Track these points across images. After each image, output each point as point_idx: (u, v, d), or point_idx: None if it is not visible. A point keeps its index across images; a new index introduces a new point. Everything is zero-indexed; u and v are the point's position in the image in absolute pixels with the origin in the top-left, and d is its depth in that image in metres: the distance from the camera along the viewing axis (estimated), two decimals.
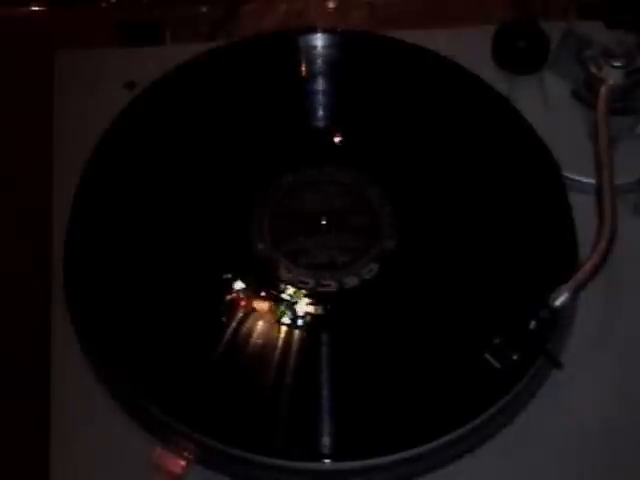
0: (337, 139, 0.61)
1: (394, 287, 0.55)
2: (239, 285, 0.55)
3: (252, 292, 0.54)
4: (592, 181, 0.59)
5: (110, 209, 0.57)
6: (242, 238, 0.57)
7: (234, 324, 0.53)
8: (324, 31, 0.63)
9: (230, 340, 0.53)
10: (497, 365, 0.51)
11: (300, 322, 0.54)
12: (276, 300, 0.54)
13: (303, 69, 0.63)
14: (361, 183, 0.59)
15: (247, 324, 0.53)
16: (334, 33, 0.64)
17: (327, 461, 0.49)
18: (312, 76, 0.63)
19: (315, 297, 0.55)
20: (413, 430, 0.49)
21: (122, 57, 0.66)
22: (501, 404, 0.50)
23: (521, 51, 0.64)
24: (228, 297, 0.54)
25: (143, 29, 0.72)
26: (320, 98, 0.62)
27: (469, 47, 0.64)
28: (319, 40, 0.63)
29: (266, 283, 0.55)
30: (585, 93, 0.61)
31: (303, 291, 0.55)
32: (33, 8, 0.77)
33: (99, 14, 0.77)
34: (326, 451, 0.49)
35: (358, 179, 0.59)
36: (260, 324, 0.54)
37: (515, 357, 0.51)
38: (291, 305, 0.54)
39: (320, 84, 0.62)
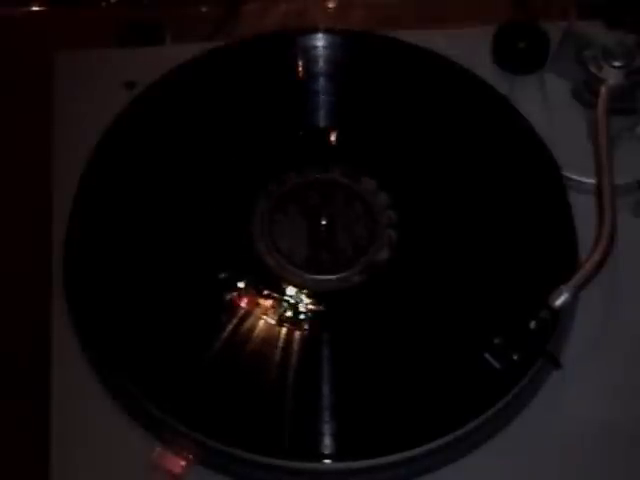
0: (337, 139, 0.61)
1: (394, 287, 0.55)
2: (239, 285, 0.55)
3: (252, 292, 0.54)
4: (592, 181, 0.59)
5: (110, 209, 0.57)
6: (242, 238, 0.57)
7: (234, 324, 0.53)
8: (324, 31, 0.63)
9: (230, 340, 0.53)
10: (497, 365, 0.51)
11: (301, 322, 0.54)
12: (277, 300, 0.54)
13: (303, 69, 0.63)
14: (361, 183, 0.59)
15: (247, 324, 0.53)
16: (334, 33, 0.64)
17: (328, 461, 0.49)
18: (312, 76, 0.63)
19: (315, 297, 0.55)
20: (414, 430, 0.49)
21: (122, 57, 0.66)
22: (501, 404, 0.50)
23: (521, 51, 0.64)
24: (228, 297, 0.54)
25: (143, 29, 0.72)
26: (320, 98, 0.62)
27: (469, 47, 0.64)
28: (319, 40, 0.63)
29: (266, 283, 0.55)
30: (585, 93, 0.61)
31: (304, 290, 0.55)
32: (33, 8, 0.77)
33: (99, 14, 0.77)
34: (327, 451, 0.49)
35: (359, 179, 0.59)
36: (261, 324, 0.54)
37: (515, 357, 0.51)
38: (292, 304, 0.54)
39: (320, 84, 0.62)
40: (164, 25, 0.73)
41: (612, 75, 0.59)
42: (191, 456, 0.50)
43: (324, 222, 0.57)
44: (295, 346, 0.53)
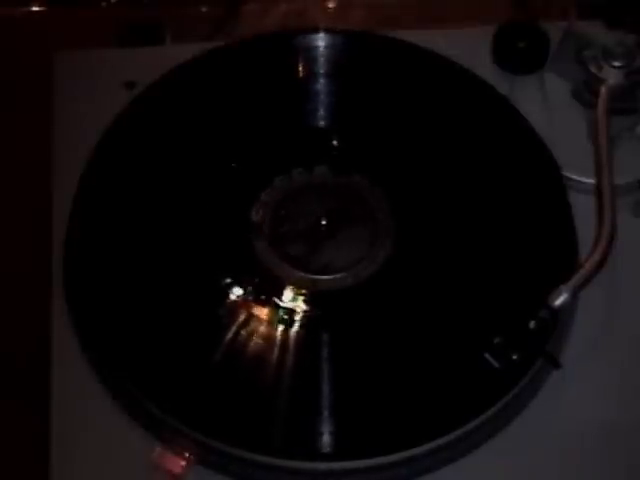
0: (337, 139, 0.61)
1: (394, 287, 0.55)
2: (239, 286, 0.55)
3: (252, 292, 0.54)
4: (592, 181, 0.59)
5: (110, 209, 0.57)
6: (242, 240, 0.57)
7: (234, 325, 0.53)
8: (324, 31, 0.63)
9: (229, 340, 0.53)
10: (497, 365, 0.51)
11: (299, 322, 0.54)
12: (275, 300, 0.54)
13: (303, 69, 0.63)
14: (361, 184, 0.59)
15: (246, 324, 0.53)
16: (334, 33, 0.64)
17: (327, 461, 0.49)
18: (312, 76, 0.63)
19: (314, 297, 0.55)
20: (413, 430, 0.49)
21: (122, 57, 0.66)
22: (501, 404, 0.50)
23: (521, 51, 0.64)
24: (228, 298, 0.54)
25: (143, 29, 0.72)
26: (320, 98, 0.62)
27: (469, 47, 0.64)
28: (319, 40, 0.63)
29: (265, 283, 0.55)
30: (585, 93, 0.61)
31: (302, 291, 0.55)
32: (33, 8, 0.77)
33: (99, 14, 0.77)
34: (327, 451, 0.49)
35: (358, 180, 0.59)
36: (259, 324, 0.54)
37: (515, 357, 0.51)
38: (290, 305, 0.54)
39: (320, 84, 0.62)
40: (164, 25, 0.72)
41: (612, 75, 0.59)
42: (191, 456, 0.50)
43: (324, 222, 0.57)
44: (294, 346, 0.53)
